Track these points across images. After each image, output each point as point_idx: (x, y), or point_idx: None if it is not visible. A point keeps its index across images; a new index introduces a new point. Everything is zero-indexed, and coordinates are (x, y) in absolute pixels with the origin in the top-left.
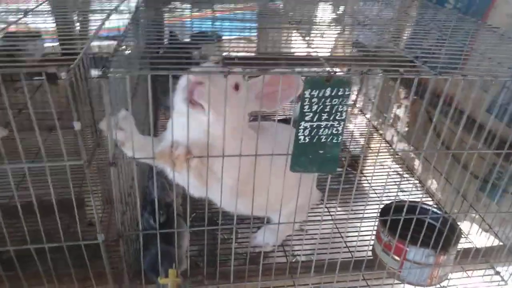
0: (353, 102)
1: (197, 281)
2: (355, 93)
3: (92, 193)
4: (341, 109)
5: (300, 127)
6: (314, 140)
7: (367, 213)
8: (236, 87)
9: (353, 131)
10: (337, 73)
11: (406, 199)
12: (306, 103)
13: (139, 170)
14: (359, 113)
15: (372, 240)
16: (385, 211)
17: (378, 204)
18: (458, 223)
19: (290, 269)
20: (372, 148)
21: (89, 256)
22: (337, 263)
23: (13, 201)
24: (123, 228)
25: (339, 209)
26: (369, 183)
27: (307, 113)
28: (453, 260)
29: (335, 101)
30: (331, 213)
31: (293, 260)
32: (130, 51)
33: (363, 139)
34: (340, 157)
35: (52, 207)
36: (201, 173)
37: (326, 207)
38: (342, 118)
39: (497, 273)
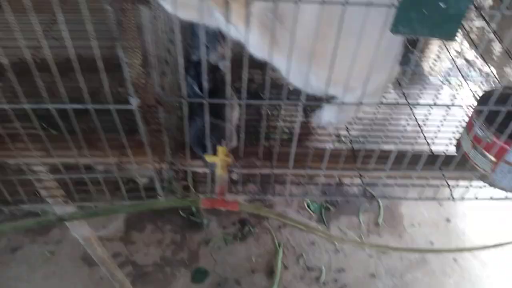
0: None
1: (250, 164)
2: None
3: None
4: None
5: None
6: None
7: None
8: None
9: None
10: None
11: None
12: None
13: (180, 25)
14: None
15: (459, 134)
16: (484, 99)
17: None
18: None
19: (350, 157)
20: None
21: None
22: (405, 156)
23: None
24: (163, 93)
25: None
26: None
27: None
28: None
29: None
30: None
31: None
32: None
33: None
34: None
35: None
36: (266, 24)
37: (403, 92)
38: None
39: None
